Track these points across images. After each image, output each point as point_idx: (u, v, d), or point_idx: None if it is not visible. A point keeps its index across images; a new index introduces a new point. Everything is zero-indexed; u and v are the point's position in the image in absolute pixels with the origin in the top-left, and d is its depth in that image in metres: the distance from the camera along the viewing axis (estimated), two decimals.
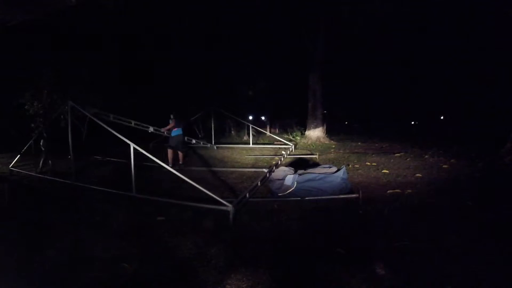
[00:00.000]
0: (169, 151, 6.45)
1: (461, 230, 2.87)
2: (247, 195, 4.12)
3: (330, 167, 4.61)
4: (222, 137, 12.93)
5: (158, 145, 10.56)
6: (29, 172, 6.20)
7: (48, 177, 5.73)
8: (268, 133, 13.14)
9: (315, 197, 4.03)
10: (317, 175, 4.25)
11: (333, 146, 10.38)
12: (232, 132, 15.09)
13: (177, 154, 6.68)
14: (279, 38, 12.84)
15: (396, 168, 5.86)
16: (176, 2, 11.17)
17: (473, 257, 2.35)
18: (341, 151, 8.88)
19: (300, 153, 8.33)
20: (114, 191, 4.46)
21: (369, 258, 2.38)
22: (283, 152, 8.12)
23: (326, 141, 11.53)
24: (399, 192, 4.25)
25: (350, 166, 6.24)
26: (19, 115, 9.33)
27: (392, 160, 6.66)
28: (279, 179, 4.49)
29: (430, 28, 11.72)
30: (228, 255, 2.53)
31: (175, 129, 6.43)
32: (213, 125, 11.01)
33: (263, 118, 17.35)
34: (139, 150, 4.41)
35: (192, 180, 3.88)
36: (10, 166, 6.54)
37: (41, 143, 6.40)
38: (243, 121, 12.41)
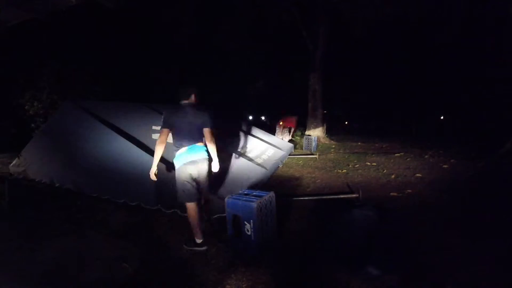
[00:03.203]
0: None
1: (461, 230, 2.88)
2: None
3: None
4: None
5: None
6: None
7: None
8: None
9: (315, 197, 4.03)
10: None
11: (333, 146, 10.38)
12: None
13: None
14: (279, 38, 12.83)
15: (396, 168, 5.86)
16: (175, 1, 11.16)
17: (473, 257, 2.35)
18: (341, 151, 8.87)
19: (300, 153, 8.32)
20: None
21: (369, 258, 2.38)
22: None
23: (326, 141, 11.51)
24: (399, 192, 4.25)
25: (350, 166, 6.24)
26: (19, 115, 9.31)
27: (392, 160, 6.66)
28: None
29: (430, 28, 11.71)
30: (228, 255, 2.53)
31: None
32: None
33: (263, 118, 17.38)
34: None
35: None
36: (10, 166, 6.54)
37: None
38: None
